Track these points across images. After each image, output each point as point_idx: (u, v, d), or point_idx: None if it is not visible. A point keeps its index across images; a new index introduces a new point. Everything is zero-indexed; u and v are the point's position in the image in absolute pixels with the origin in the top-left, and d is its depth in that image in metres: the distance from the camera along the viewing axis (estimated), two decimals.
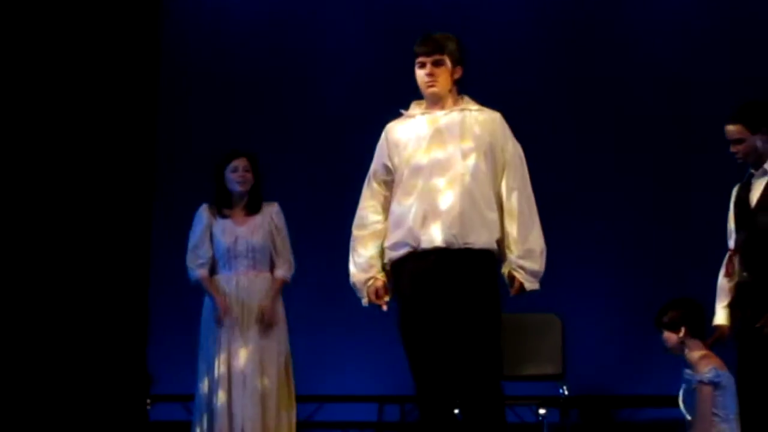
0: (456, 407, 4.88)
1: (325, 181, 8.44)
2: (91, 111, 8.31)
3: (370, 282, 5.02)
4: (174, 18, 8.81)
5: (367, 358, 8.22)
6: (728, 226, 5.65)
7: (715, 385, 5.57)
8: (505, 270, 4.96)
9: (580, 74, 8.35)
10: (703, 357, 5.65)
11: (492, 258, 4.94)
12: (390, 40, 8.55)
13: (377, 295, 5.01)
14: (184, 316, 7.74)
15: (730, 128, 5.52)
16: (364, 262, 5.05)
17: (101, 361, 8.17)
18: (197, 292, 6.63)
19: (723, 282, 5.63)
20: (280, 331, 6.42)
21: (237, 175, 6.48)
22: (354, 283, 5.10)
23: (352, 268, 5.10)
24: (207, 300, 6.46)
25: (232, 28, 8.78)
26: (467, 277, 4.85)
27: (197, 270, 6.47)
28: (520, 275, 4.91)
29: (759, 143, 5.47)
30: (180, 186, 8.39)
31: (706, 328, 5.70)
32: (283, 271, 6.49)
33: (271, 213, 6.51)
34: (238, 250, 6.43)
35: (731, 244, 5.62)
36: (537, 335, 6.75)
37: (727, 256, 5.63)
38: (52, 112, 8.14)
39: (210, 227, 6.49)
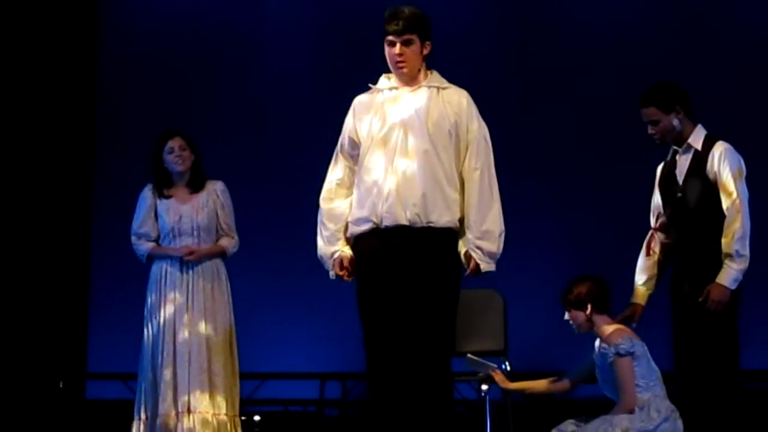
0: (407, 383, 4.89)
1: (271, 160, 8.43)
2: (29, 94, 8.27)
3: (336, 255, 5.02)
4: (114, 2, 8.75)
5: (309, 335, 8.24)
6: (652, 203, 5.71)
7: (631, 355, 5.62)
8: (462, 249, 4.97)
9: (535, 63, 8.40)
10: (614, 330, 5.69)
11: (454, 237, 4.96)
12: (337, 17, 8.55)
13: (341, 267, 5.00)
14: (124, 294, 7.72)
15: (644, 111, 5.57)
16: (330, 235, 5.05)
17: (41, 339, 8.13)
18: (137, 269, 6.59)
19: (642, 261, 5.71)
20: (225, 309, 6.40)
21: (173, 155, 6.43)
22: (321, 256, 5.10)
23: (319, 241, 5.09)
24: (152, 273, 6.41)
25: (172, 6, 8.71)
26: (429, 255, 4.87)
27: (145, 245, 6.44)
28: (477, 255, 4.93)
29: (675, 122, 5.53)
30: (120, 167, 8.35)
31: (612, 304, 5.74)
32: (226, 242, 6.47)
33: (217, 191, 6.48)
34: (183, 228, 6.40)
35: (653, 222, 5.69)
36: (479, 311, 6.77)
37: (649, 234, 5.70)
38: None
39: (154, 207, 6.45)
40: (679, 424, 5.45)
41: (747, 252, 5.34)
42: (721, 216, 5.39)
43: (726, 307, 5.35)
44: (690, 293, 5.43)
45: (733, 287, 5.33)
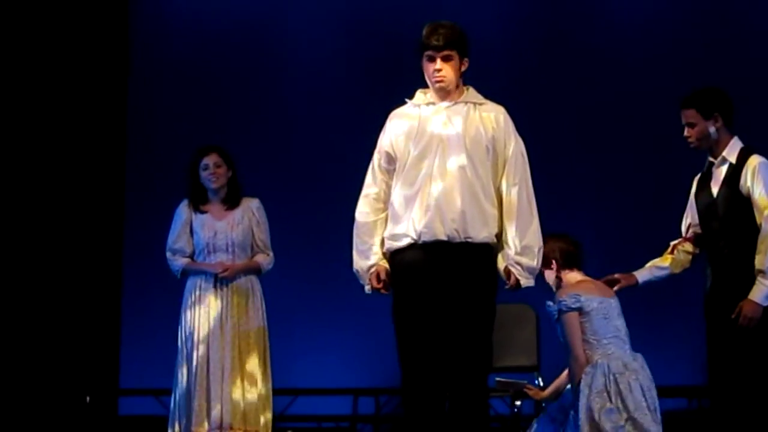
0: (443, 399, 4.89)
1: (303, 175, 8.43)
2: (61, 108, 8.31)
3: (373, 269, 5.02)
4: (144, 14, 8.77)
5: (342, 350, 8.23)
6: (685, 213, 5.69)
7: (577, 310, 5.54)
8: (501, 265, 4.98)
9: (556, 73, 8.39)
10: (566, 287, 5.60)
11: (491, 252, 4.97)
12: (365, 36, 8.57)
13: (378, 281, 5.00)
14: (157, 310, 7.74)
15: (684, 112, 5.55)
16: (367, 249, 5.06)
17: (72, 355, 8.16)
18: (171, 285, 6.60)
19: (661, 259, 5.68)
20: (258, 324, 6.41)
21: (208, 172, 6.45)
22: (357, 270, 5.10)
23: (354, 255, 5.09)
24: (187, 289, 6.43)
25: (204, 23, 8.75)
26: (467, 270, 4.88)
27: (179, 261, 6.45)
28: (516, 271, 4.93)
29: (712, 129, 5.50)
30: (152, 180, 8.37)
31: (583, 259, 5.67)
32: (261, 258, 6.48)
33: (252, 208, 6.49)
34: (218, 244, 6.41)
35: (684, 231, 5.68)
36: (512, 327, 6.77)
37: (676, 241, 5.67)
38: (20, 109, 8.12)
39: (189, 222, 6.47)
40: (632, 383, 5.36)
41: None
42: (755, 231, 5.35)
43: (760, 323, 5.32)
44: (723, 309, 5.40)
45: (766, 303, 5.30)
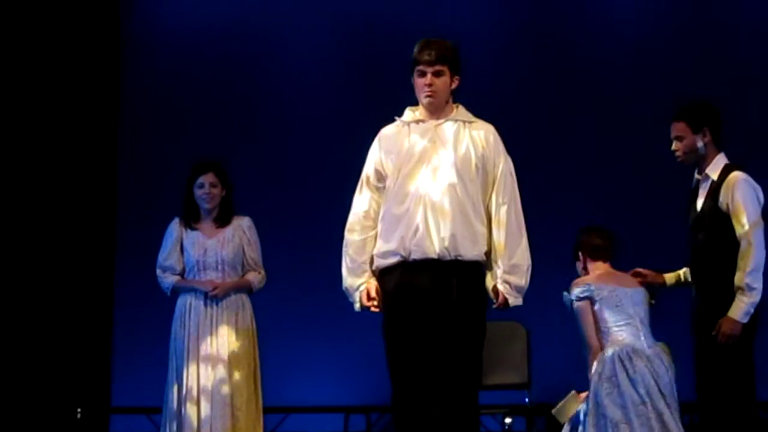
0: (434, 416, 4.89)
1: (294, 191, 8.43)
2: (52, 119, 8.30)
3: (362, 287, 5.02)
4: (136, 23, 8.78)
5: (333, 368, 8.23)
6: None
7: (588, 300, 5.65)
8: (490, 283, 4.99)
9: (555, 99, 8.41)
10: (582, 278, 5.76)
11: (481, 270, 4.98)
12: (357, 47, 8.58)
13: (368, 298, 5.00)
14: (149, 328, 7.73)
15: (673, 125, 5.59)
16: (356, 267, 5.06)
17: (64, 372, 8.14)
18: (162, 302, 6.61)
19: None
20: (249, 343, 6.41)
21: (203, 191, 6.46)
22: (346, 288, 5.10)
23: (344, 273, 5.09)
24: (177, 307, 6.44)
25: (197, 31, 8.74)
26: (457, 288, 4.89)
27: (170, 278, 6.46)
28: (505, 290, 4.95)
29: (700, 144, 5.53)
30: (145, 197, 8.37)
31: (611, 250, 5.82)
32: (253, 276, 6.49)
33: (243, 227, 6.50)
34: (208, 262, 6.42)
35: None
36: (502, 344, 6.77)
37: None
38: (9, 117, 8.11)
39: (180, 240, 6.48)
40: (642, 369, 5.45)
41: (758, 285, 5.34)
42: (737, 247, 5.38)
43: (740, 339, 5.35)
44: (707, 325, 5.43)
45: (744, 320, 5.34)
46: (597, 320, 5.65)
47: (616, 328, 5.62)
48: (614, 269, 5.80)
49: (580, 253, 5.84)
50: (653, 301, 5.78)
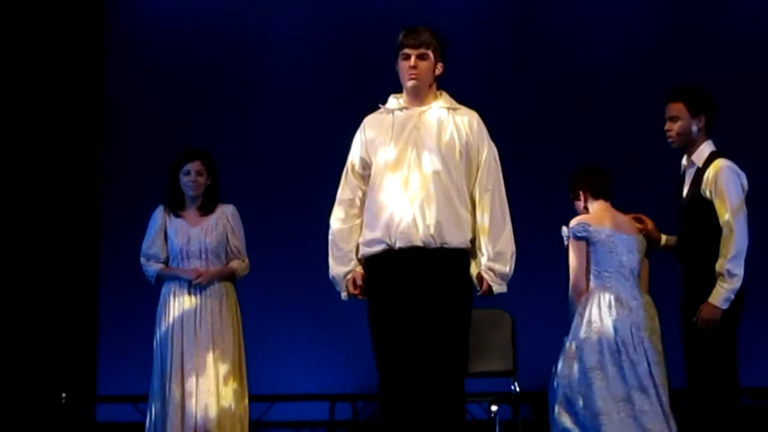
0: (420, 404, 4.90)
1: (279, 179, 8.42)
2: (35, 111, 8.28)
3: (349, 275, 5.03)
4: (120, 14, 8.75)
5: (319, 356, 8.23)
6: None
7: (584, 240, 5.72)
8: (474, 271, 4.99)
9: (542, 82, 8.41)
10: (582, 216, 5.82)
11: (466, 257, 4.99)
12: (341, 37, 8.57)
13: (355, 287, 5.00)
14: (133, 316, 7.72)
15: (671, 105, 5.59)
16: (343, 255, 5.06)
17: (49, 361, 8.13)
18: (147, 291, 6.60)
19: None
20: (233, 331, 6.40)
21: (189, 179, 6.44)
22: (333, 277, 5.10)
23: (331, 262, 5.10)
24: (161, 295, 6.43)
25: (180, 24, 8.72)
26: (442, 276, 4.90)
27: (153, 266, 6.45)
28: (489, 277, 4.95)
29: (694, 128, 5.55)
30: (128, 185, 8.35)
31: (611, 189, 5.91)
32: (237, 264, 6.48)
33: (227, 215, 6.48)
34: (191, 250, 6.41)
35: None
36: (487, 331, 6.77)
37: None
38: None
39: (164, 228, 6.47)
40: (624, 318, 5.53)
41: (739, 271, 5.36)
42: (719, 235, 5.40)
43: (721, 325, 5.38)
44: (690, 314, 5.46)
45: (724, 306, 5.36)
46: (589, 261, 5.72)
47: (606, 274, 5.69)
48: (614, 209, 5.86)
49: (580, 192, 5.90)
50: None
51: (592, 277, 5.72)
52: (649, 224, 5.80)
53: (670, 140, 5.61)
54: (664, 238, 5.80)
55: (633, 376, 5.52)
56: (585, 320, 5.63)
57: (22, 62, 8.26)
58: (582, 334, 5.61)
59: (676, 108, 5.57)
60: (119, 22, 8.74)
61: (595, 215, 5.81)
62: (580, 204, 5.92)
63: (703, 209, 5.45)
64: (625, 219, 5.82)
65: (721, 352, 5.41)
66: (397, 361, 4.91)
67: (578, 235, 5.73)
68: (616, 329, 5.56)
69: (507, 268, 4.97)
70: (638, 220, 5.80)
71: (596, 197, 5.87)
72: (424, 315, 4.88)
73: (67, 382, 8.25)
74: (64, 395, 8.17)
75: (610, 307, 5.60)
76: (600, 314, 5.60)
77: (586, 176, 5.92)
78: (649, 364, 5.55)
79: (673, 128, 5.58)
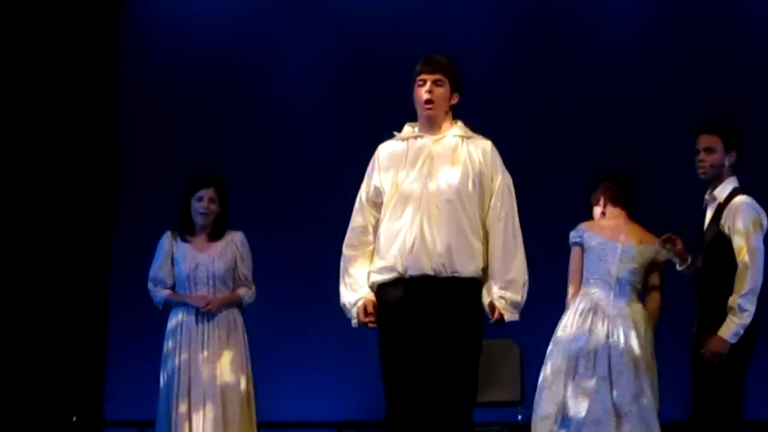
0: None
1: (288, 206, 8.43)
2: (47, 133, 8.30)
3: (360, 303, 5.01)
4: (132, 40, 8.78)
5: (326, 384, 8.21)
6: None
7: (578, 245, 5.95)
8: (486, 299, 4.97)
9: (556, 114, 8.40)
10: (587, 221, 6.00)
11: (477, 286, 4.97)
12: (356, 59, 8.58)
13: (365, 314, 4.99)
14: (141, 342, 7.73)
15: (707, 137, 5.60)
16: (354, 282, 5.05)
17: (57, 386, 8.13)
18: (156, 316, 6.61)
19: None
20: (241, 358, 6.40)
21: (201, 205, 6.45)
22: (343, 304, 5.08)
23: (342, 289, 5.08)
24: (169, 321, 6.43)
25: (192, 47, 8.74)
26: (453, 305, 4.89)
27: (161, 292, 6.45)
28: (501, 305, 4.93)
29: (726, 162, 5.58)
30: (139, 207, 8.37)
31: (630, 198, 6.06)
32: (244, 291, 6.49)
33: (236, 242, 6.49)
34: (198, 276, 6.41)
35: None
36: (495, 361, 6.78)
37: None
38: (7, 127, 8.10)
39: (171, 254, 6.47)
40: (599, 324, 5.72)
41: (751, 308, 5.38)
42: (735, 270, 5.41)
43: (729, 360, 5.38)
44: (699, 343, 5.47)
45: (733, 341, 5.38)
46: (584, 267, 5.93)
47: (592, 280, 5.89)
48: (630, 218, 6.00)
49: (601, 197, 6.04)
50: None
51: (583, 282, 5.89)
52: (679, 244, 5.80)
53: (701, 171, 5.62)
54: (690, 258, 5.79)
55: (587, 384, 5.63)
56: (561, 324, 5.86)
57: (36, 77, 8.27)
58: (562, 335, 5.84)
59: (712, 140, 5.59)
60: (131, 47, 8.77)
61: (599, 221, 6.00)
62: (599, 209, 6.03)
63: (721, 245, 5.47)
64: (630, 228, 5.94)
65: (726, 386, 5.41)
66: (405, 389, 4.89)
67: (573, 240, 5.96)
68: (591, 335, 5.65)
69: (519, 296, 4.96)
70: (668, 240, 5.79)
71: (614, 204, 5.99)
72: (434, 344, 4.86)
73: (74, 406, 8.25)
74: (75, 418, 8.16)
75: (583, 314, 5.71)
76: (573, 320, 5.75)
77: (607, 182, 6.08)
78: (611, 372, 5.61)
79: (707, 160, 5.59)
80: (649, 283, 5.98)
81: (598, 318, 5.76)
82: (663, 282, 5.98)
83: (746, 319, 5.37)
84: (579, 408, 5.75)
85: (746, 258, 5.39)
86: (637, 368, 5.75)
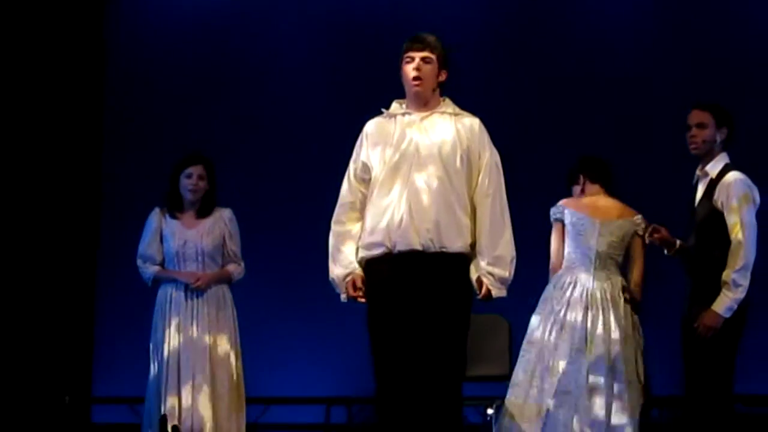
0: (417, 408, 4.90)
1: (277, 182, 8.43)
2: (36, 113, 8.28)
3: (349, 278, 5.02)
4: (120, 18, 8.76)
5: (314, 359, 8.24)
6: None
7: (559, 221, 6.05)
8: (473, 275, 4.98)
9: (545, 89, 8.40)
10: (567, 198, 6.09)
11: (466, 262, 4.99)
12: (344, 42, 8.58)
13: (355, 289, 5.00)
14: (130, 318, 7.73)
15: (699, 113, 5.61)
16: (343, 258, 5.06)
17: (45, 362, 8.13)
18: (144, 293, 6.61)
19: None
20: (230, 334, 6.41)
21: (190, 181, 6.45)
22: (332, 279, 5.09)
23: (331, 264, 5.09)
24: (158, 297, 6.44)
25: (180, 28, 8.73)
26: (441, 280, 4.90)
27: (150, 269, 6.46)
28: (488, 281, 4.94)
29: (717, 138, 5.59)
30: (127, 186, 8.36)
31: (609, 177, 6.12)
32: (233, 268, 6.49)
33: (224, 219, 6.49)
34: (187, 253, 6.42)
35: None
36: (484, 336, 6.78)
37: None
38: None
39: (160, 230, 6.48)
40: (577, 297, 5.80)
41: (745, 283, 5.40)
42: (728, 247, 5.43)
43: (721, 334, 5.40)
44: (691, 319, 5.48)
45: (727, 315, 5.40)
46: (564, 242, 6.03)
47: (573, 255, 5.98)
48: (608, 195, 6.07)
49: (580, 176, 6.12)
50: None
51: (565, 257, 5.99)
52: (663, 232, 5.80)
53: (693, 146, 5.63)
54: (678, 243, 5.79)
55: (561, 355, 5.79)
56: (542, 297, 5.99)
57: (22, 66, 8.26)
58: (543, 309, 5.94)
59: (703, 116, 5.60)
60: (120, 26, 8.75)
61: (578, 198, 6.06)
62: (578, 188, 6.12)
63: (714, 221, 5.48)
64: (608, 203, 6.00)
65: (718, 360, 5.43)
66: (394, 365, 4.91)
67: (553, 216, 6.06)
68: (569, 308, 5.72)
69: (506, 272, 4.98)
70: (655, 230, 5.79)
71: (592, 181, 6.09)
72: (422, 319, 4.88)
73: (63, 383, 8.26)
74: (67, 398, 8.17)
75: (563, 287, 5.86)
76: (553, 294, 5.93)
77: (585, 161, 6.16)
78: (586, 344, 5.76)
79: (699, 135, 5.60)
80: (631, 255, 6.02)
81: (577, 291, 5.84)
82: (645, 252, 6.01)
83: (740, 294, 5.39)
84: (552, 378, 5.81)
85: (740, 234, 5.41)
86: (614, 342, 5.79)
